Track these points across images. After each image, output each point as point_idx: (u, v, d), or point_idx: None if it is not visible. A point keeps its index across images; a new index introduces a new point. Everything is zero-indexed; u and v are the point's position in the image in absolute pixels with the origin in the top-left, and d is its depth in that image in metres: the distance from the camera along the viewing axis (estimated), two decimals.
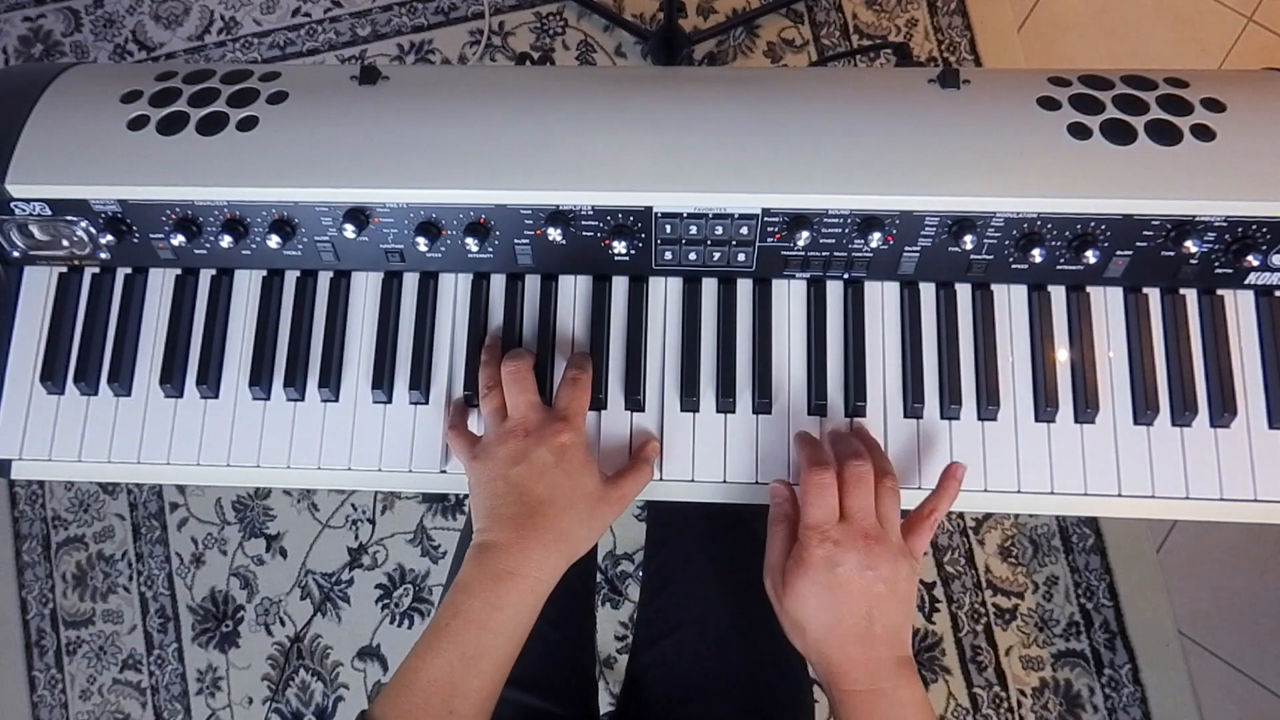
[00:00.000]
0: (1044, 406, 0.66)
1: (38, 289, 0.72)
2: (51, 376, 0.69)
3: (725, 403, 0.67)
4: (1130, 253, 0.65)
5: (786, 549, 0.61)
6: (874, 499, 0.59)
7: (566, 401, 0.63)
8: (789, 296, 0.69)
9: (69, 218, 0.67)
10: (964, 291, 0.69)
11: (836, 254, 0.67)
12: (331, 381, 0.69)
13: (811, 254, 0.67)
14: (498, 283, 0.71)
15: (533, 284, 0.70)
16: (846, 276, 0.69)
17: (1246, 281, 0.67)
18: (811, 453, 0.62)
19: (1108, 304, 0.68)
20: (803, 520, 0.60)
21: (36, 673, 1.49)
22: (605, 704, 1.38)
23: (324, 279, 0.71)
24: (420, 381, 0.68)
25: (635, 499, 0.65)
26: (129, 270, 0.72)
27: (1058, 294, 0.68)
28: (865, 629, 0.57)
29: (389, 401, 0.69)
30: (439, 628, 0.57)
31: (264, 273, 0.71)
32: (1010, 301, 0.68)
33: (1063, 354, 0.67)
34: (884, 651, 0.57)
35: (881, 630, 0.57)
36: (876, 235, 0.63)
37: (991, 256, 0.66)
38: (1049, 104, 0.64)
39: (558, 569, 0.60)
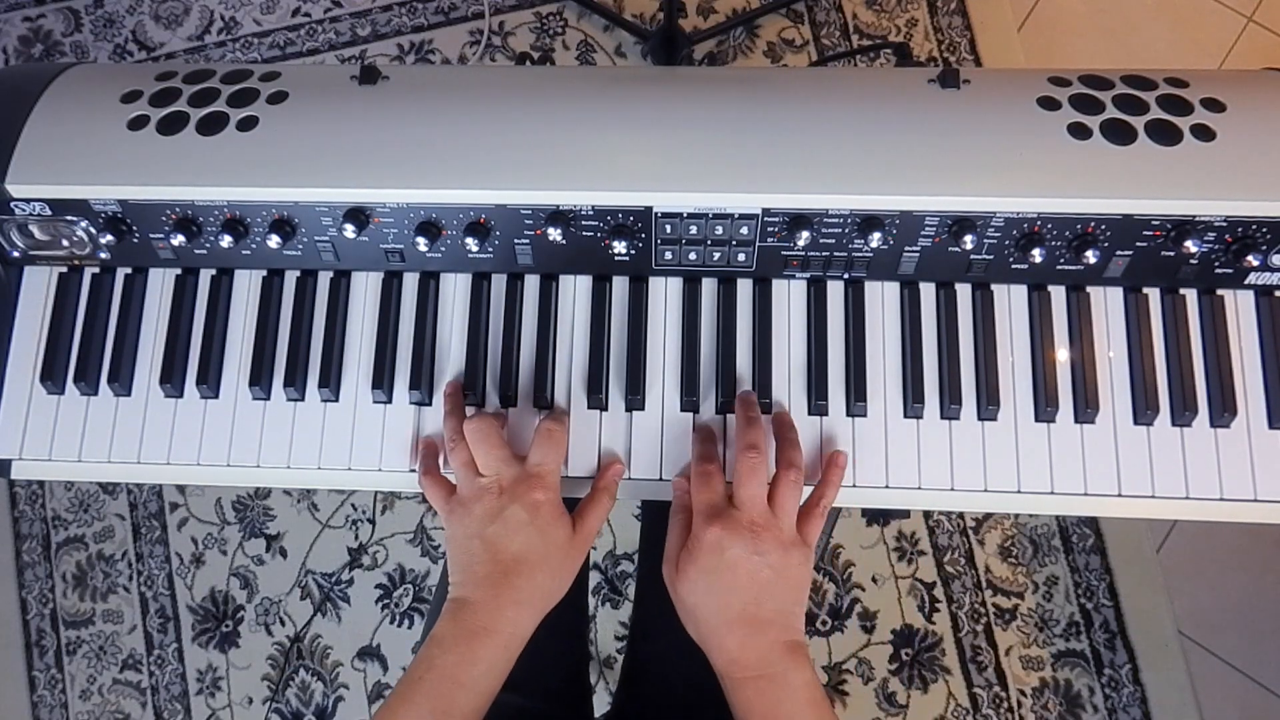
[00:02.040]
0: (1044, 406, 0.66)
1: (38, 289, 0.72)
2: (51, 376, 0.69)
3: (725, 403, 0.67)
4: (1130, 253, 0.65)
5: (683, 537, 0.62)
6: (767, 489, 0.61)
7: (540, 457, 0.63)
8: (789, 296, 0.69)
9: (69, 218, 0.67)
10: (964, 291, 0.69)
11: (836, 254, 0.67)
12: (331, 381, 0.69)
13: (811, 254, 0.67)
14: (498, 283, 0.71)
15: (533, 284, 0.70)
16: (847, 276, 0.69)
17: (1246, 281, 0.67)
18: (699, 448, 0.65)
19: (1108, 304, 0.68)
20: (694, 509, 0.62)
21: (36, 673, 1.49)
22: (605, 704, 1.38)
23: (324, 279, 0.71)
24: (420, 381, 0.68)
25: (600, 527, 0.66)
26: (129, 270, 0.72)
27: (1058, 294, 0.68)
28: (753, 613, 0.59)
29: (389, 401, 0.69)
30: (413, 681, 0.58)
31: (264, 273, 0.71)
32: (1010, 301, 0.68)
33: (1063, 354, 0.67)
34: (773, 635, 0.59)
35: (770, 614, 0.59)
36: (876, 235, 0.63)
37: (991, 256, 0.66)
38: (1049, 104, 0.64)
39: (532, 623, 0.62)
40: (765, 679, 0.58)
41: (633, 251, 0.68)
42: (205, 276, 0.71)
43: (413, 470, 0.68)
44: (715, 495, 0.61)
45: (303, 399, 0.69)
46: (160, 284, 0.72)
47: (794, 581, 0.60)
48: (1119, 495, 0.65)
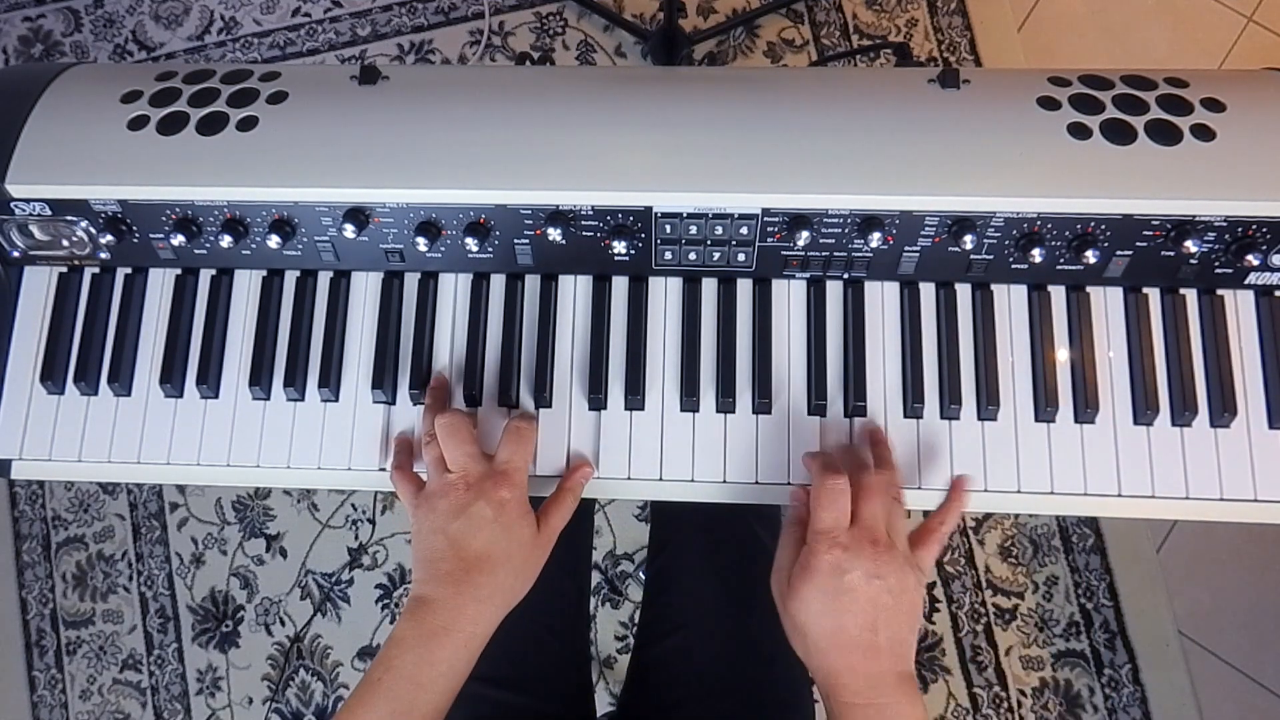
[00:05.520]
0: (1044, 406, 0.66)
1: (38, 289, 0.72)
2: (51, 376, 0.69)
3: (725, 403, 0.67)
4: (1130, 253, 0.65)
5: (796, 552, 0.60)
6: (884, 509, 0.59)
7: (508, 455, 0.62)
8: (789, 296, 0.69)
9: (69, 218, 0.67)
10: (964, 291, 0.69)
11: (836, 254, 0.67)
12: (331, 381, 0.69)
13: (811, 254, 0.67)
14: (498, 283, 0.71)
15: (533, 284, 0.70)
16: (846, 276, 0.69)
17: (1246, 281, 0.67)
18: (825, 459, 0.62)
19: (1108, 304, 0.68)
20: (812, 525, 0.59)
21: (36, 673, 1.49)
22: (605, 704, 1.38)
23: (324, 279, 0.71)
24: (421, 381, 0.68)
25: (563, 528, 0.65)
26: (129, 270, 0.72)
27: (1058, 294, 0.68)
28: (870, 640, 0.56)
29: (389, 402, 0.69)
30: (372, 682, 0.58)
31: (264, 273, 0.71)
32: (1010, 301, 0.68)
33: (1063, 354, 0.67)
34: (887, 664, 0.56)
35: (885, 642, 0.56)
36: (876, 235, 0.63)
37: (991, 256, 0.66)
38: (1049, 104, 0.64)
39: (493, 621, 0.61)
40: (875, 707, 0.56)
41: (633, 251, 0.68)
42: (205, 276, 0.71)
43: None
44: (841, 514, 0.58)
45: (303, 399, 0.69)
46: (160, 284, 0.71)
47: (910, 606, 0.58)
48: (1119, 495, 0.65)
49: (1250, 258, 0.63)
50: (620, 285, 0.70)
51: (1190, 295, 0.68)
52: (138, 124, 0.65)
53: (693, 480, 0.67)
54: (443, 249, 0.68)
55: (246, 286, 0.71)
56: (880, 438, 0.66)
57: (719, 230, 0.65)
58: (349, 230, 0.64)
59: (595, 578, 1.44)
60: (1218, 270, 0.66)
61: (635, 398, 0.67)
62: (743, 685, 0.76)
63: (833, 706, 0.57)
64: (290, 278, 0.71)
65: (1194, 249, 0.63)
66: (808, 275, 0.69)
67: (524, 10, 1.63)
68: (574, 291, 0.70)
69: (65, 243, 0.69)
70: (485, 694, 0.76)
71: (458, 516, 0.60)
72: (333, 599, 1.47)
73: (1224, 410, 0.65)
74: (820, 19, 1.60)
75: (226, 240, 0.66)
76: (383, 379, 0.68)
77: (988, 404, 0.66)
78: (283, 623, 1.47)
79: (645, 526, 1.45)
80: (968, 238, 0.63)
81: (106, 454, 0.69)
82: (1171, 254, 0.65)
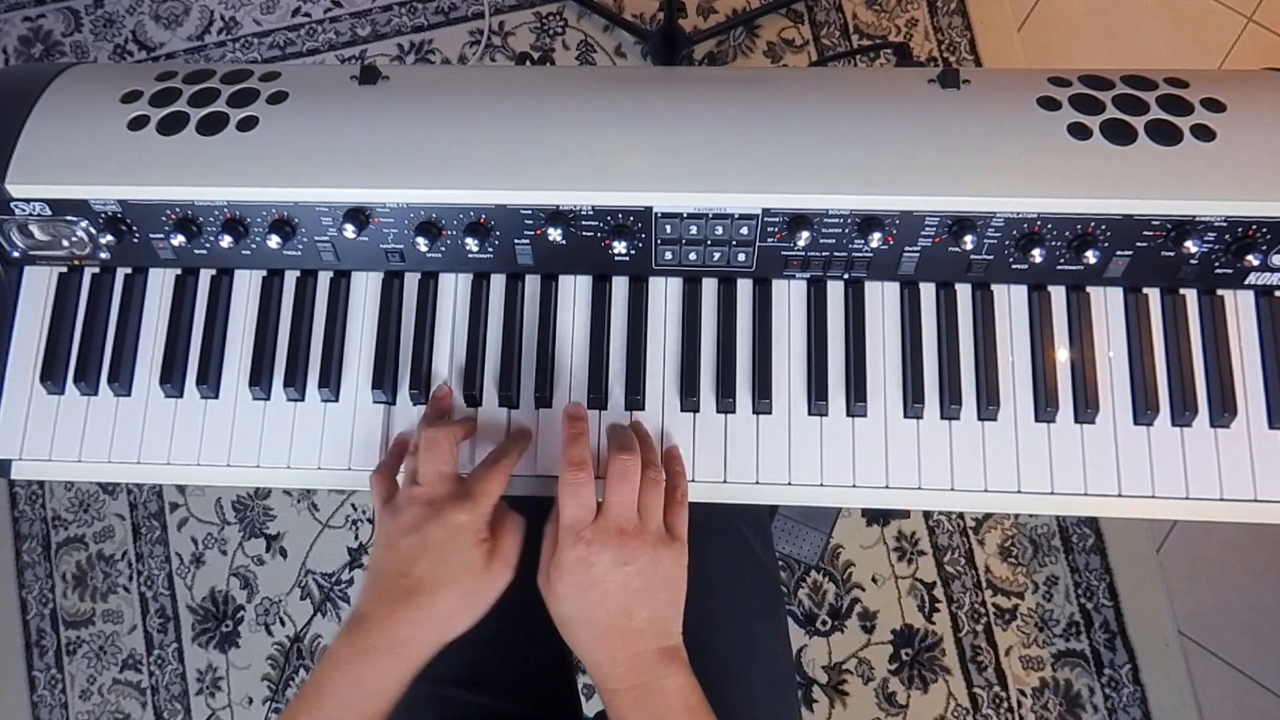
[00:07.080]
0: (1044, 406, 0.66)
1: (38, 289, 0.72)
2: (51, 376, 0.69)
3: (725, 403, 0.67)
4: (1130, 253, 0.65)
5: (554, 550, 0.60)
6: (637, 491, 0.59)
7: (479, 480, 0.61)
8: (789, 296, 0.69)
9: (69, 218, 0.67)
10: (964, 291, 0.69)
11: (836, 254, 0.67)
12: (331, 382, 0.69)
13: (811, 254, 0.67)
14: (498, 283, 0.71)
15: (533, 284, 0.70)
16: (847, 276, 0.69)
17: (1246, 281, 0.67)
18: (570, 451, 0.61)
19: (1108, 304, 0.68)
20: (560, 521, 0.59)
21: (36, 673, 1.49)
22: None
23: (324, 279, 0.71)
24: (420, 381, 0.68)
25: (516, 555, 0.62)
26: (129, 270, 0.72)
27: (1058, 294, 0.68)
28: (625, 624, 0.57)
29: (389, 402, 0.69)
30: (301, 698, 0.57)
31: (264, 273, 0.71)
32: (1010, 301, 0.68)
33: (1063, 354, 0.67)
34: (647, 643, 0.57)
35: (643, 623, 0.57)
36: (876, 235, 0.63)
37: (991, 256, 0.66)
38: (1049, 104, 0.64)
39: (428, 647, 0.59)
40: (638, 689, 0.57)
41: (633, 251, 0.68)
42: (205, 276, 0.71)
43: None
44: (584, 509, 0.58)
45: (303, 399, 0.69)
46: (160, 284, 0.71)
47: (667, 582, 0.59)
48: (1119, 495, 0.65)
49: (1250, 258, 0.63)
50: (620, 285, 0.70)
51: (1190, 295, 0.68)
52: (138, 124, 0.65)
53: (693, 480, 0.67)
54: (443, 249, 0.68)
55: (246, 286, 0.71)
56: (637, 424, 0.66)
57: (719, 230, 0.65)
58: (349, 230, 0.64)
59: None
60: (1218, 270, 0.66)
61: (635, 398, 0.67)
62: (728, 681, 0.76)
63: (603, 696, 0.58)
64: (290, 278, 0.71)
65: (1194, 249, 0.63)
66: (808, 275, 0.69)
67: (524, 10, 1.63)
68: (574, 291, 0.70)
69: (65, 243, 0.69)
70: (454, 696, 0.75)
71: (410, 533, 0.59)
72: (333, 599, 1.47)
73: (1224, 410, 0.65)
74: (820, 19, 1.60)
75: (226, 240, 0.66)
76: (383, 379, 0.68)
77: (988, 404, 0.66)
78: (283, 623, 1.47)
79: None
80: (968, 238, 0.63)
81: (106, 454, 0.69)
82: (1171, 254, 0.65)
